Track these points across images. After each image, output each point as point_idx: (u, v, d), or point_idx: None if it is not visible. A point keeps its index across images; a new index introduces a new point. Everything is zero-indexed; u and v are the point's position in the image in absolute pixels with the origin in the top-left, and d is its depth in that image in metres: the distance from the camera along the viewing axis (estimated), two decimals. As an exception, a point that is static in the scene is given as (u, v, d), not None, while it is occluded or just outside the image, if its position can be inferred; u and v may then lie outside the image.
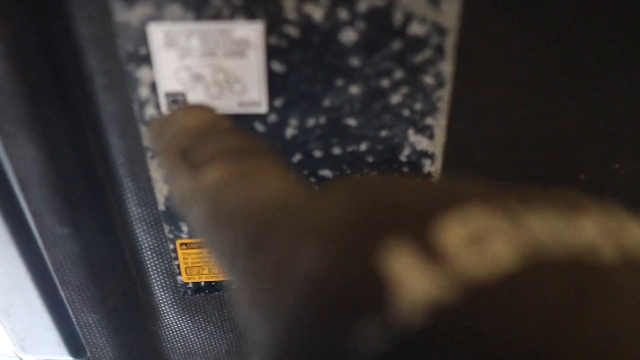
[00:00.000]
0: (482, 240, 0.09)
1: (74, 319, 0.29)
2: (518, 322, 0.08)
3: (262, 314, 0.11)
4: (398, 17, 0.21)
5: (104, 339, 0.30)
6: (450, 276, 0.08)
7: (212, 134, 0.16)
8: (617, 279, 0.09)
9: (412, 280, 0.09)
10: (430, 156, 0.24)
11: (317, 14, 0.21)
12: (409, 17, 0.21)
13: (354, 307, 0.09)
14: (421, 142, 0.24)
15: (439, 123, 0.24)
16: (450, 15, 0.21)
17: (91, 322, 0.29)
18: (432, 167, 0.25)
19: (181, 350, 0.32)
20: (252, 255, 0.11)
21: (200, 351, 0.32)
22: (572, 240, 0.10)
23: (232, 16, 0.21)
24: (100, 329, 0.29)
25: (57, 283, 0.27)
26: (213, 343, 0.32)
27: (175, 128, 0.17)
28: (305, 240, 0.10)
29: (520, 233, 0.09)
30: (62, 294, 0.28)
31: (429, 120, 0.23)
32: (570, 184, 0.27)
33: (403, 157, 0.24)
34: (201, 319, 0.31)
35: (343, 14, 0.21)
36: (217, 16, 0.21)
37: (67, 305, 0.28)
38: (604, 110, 0.25)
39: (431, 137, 0.24)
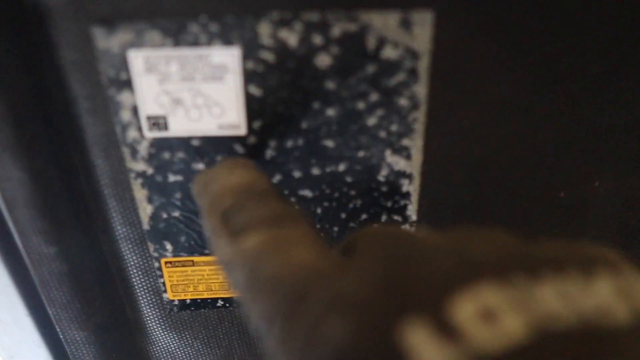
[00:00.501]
0: (494, 315, 0.10)
1: (61, 336, 0.29)
2: None
3: None
4: (371, 42, 0.21)
5: (91, 355, 0.30)
6: (463, 351, 0.09)
7: (251, 198, 0.17)
8: (631, 340, 0.10)
9: (427, 354, 0.09)
10: (408, 176, 0.25)
11: (291, 39, 0.21)
12: (382, 42, 0.21)
13: None
14: (398, 163, 0.24)
15: (415, 144, 0.24)
16: (422, 39, 0.21)
17: (78, 339, 0.29)
18: (411, 187, 0.25)
19: (169, 366, 0.33)
20: (285, 325, 0.12)
21: (188, 367, 0.33)
22: (585, 305, 0.10)
23: (209, 42, 0.21)
24: (87, 345, 0.30)
25: (44, 301, 0.28)
26: (200, 359, 0.32)
27: (218, 187, 0.18)
28: (332, 314, 0.11)
29: (531, 306, 0.10)
30: (50, 312, 0.28)
31: (405, 141, 0.24)
32: (550, 202, 0.27)
33: (381, 177, 0.25)
34: (188, 336, 0.31)
35: (317, 39, 0.21)
36: (194, 42, 0.21)
37: (55, 323, 0.28)
38: (582, 129, 0.25)
39: (408, 157, 0.24)
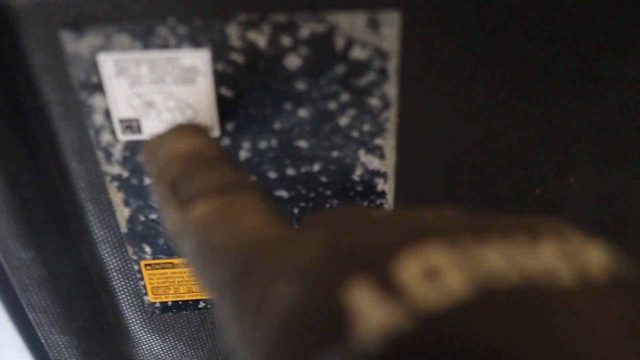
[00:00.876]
0: (437, 274, 0.10)
1: (43, 341, 0.29)
2: (470, 346, 0.09)
3: (245, 344, 0.12)
4: (339, 42, 0.21)
5: (74, 359, 0.30)
6: (405, 308, 0.09)
7: (200, 165, 0.17)
8: (575, 299, 0.10)
9: (370, 313, 0.09)
10: (383, 175, 0.25)
11: (260, 41, 0.21)
12: (350, 42, 0.21)
13: (321, 338, 0.10)
14: (372, 162, 0.24)
15: (388, 143, 0.24)
16: (390, 39, 0.21)
17: (60, 343, 0.29)
18: (386, 186, 0.25)
19: (153, 368, 0.33)
20: (236, 292, 0.12)
21: (173, 369, 0.33)
22: (530, 266, 0.10)
23: (178, 45, 0.21)
24: (70, 349, 0.30)
25: (24, 305, 0.28)
26: (184, 361, 0.32)
27: (166, 153, 0.18)
28: (281, 279, 0.11)
29: (475, 265, 0.10)
30: (30, 316, 0.28)
31: (378, 141, 0.24)
32: (526, 198, 0.27)
33: (356, 177, 0.25)
34: (171, 338, 0.31)
35: (286, 41, 0.21)
36: (164, 45, 0.21)
37: (36, 327, 0.28)
38: (554, 127, 0.25)
39: (382, 157, 0.24)
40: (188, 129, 0.19)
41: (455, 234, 0.11)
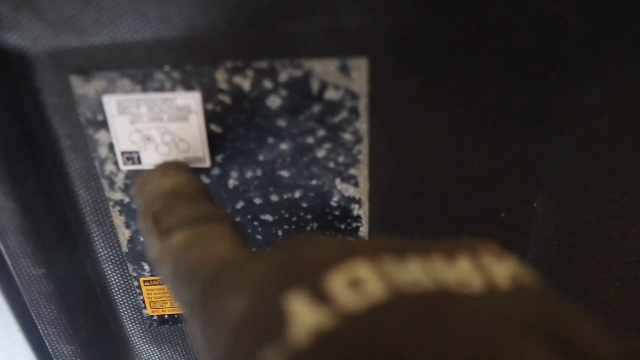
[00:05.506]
0: (360, 284, 0.12)
1: (50, 350, 0.32)
2: (376, 337, 0.11)
3: (207, 351, 0.14)
4: (315, 85, 0.24)
5: (78, 367, 0.33)
6: (330, 310, 0.12)
7: (179, 200, 0.20)
8: (481, 303, 0.12)
9: (302, 315, 0.12)
10: (358, 201, 0.28)
11: (245, 84, 0.24)
12: (324, 85, 0.24)
13: (263, 338, 0.12)
14: (348, 190, 0.27)
15: (361, 173, 0.27)
16: (359, 81, 0.24)
17: (66, 352, 0.32)
18: (361, 211, 0.28)
19: (152, 377, 0.35)
20: (201, 306, 0.15)
21: (170, 378, 0.35)
22: (444, 276, 0.12)
23: (173, 88, 0.24)
24: (75, 358, 0.32)
25: (34, 317, 0.30)
26: (180, 370, 0.35)
27: (152, 189, 0.21)
28: (236, 291, 0.14)
29: (394, 276, 0.12)
30: (39, 327, 0.31)
31: (352, 171, 0.27)
32: (492, 221, 0.30)
33: (333, 203, 0.28)
34: (167, 348, 0.34)
35: (268, 84, 0.24)
36: (160, 88, 0.24)
37: (44, 338, 0.31)
38: (514, 157, 0.28)
39: (356, 185, 0.27)
40: (173, 166, 0.22)
41: (380, 254, 0.13)
